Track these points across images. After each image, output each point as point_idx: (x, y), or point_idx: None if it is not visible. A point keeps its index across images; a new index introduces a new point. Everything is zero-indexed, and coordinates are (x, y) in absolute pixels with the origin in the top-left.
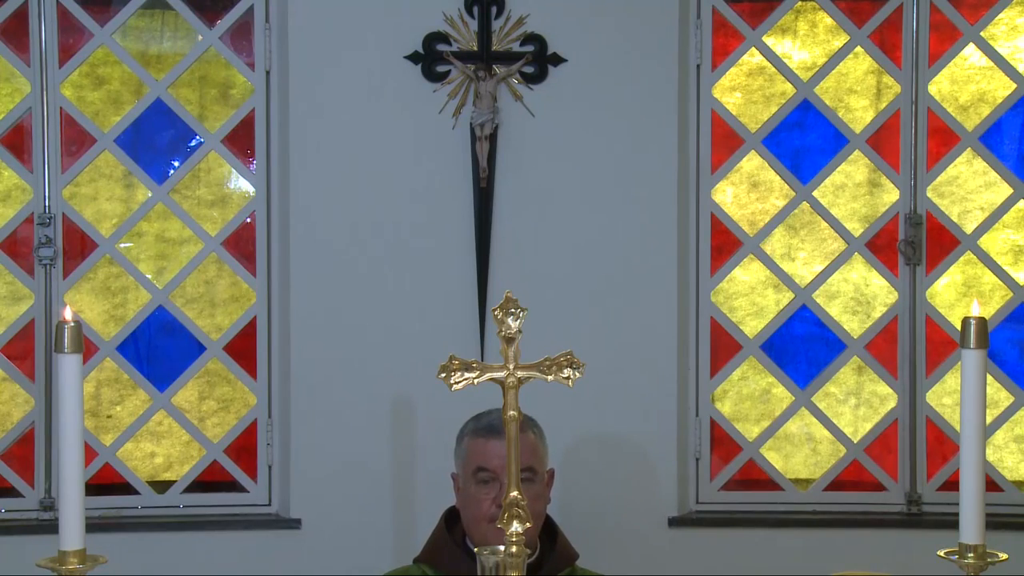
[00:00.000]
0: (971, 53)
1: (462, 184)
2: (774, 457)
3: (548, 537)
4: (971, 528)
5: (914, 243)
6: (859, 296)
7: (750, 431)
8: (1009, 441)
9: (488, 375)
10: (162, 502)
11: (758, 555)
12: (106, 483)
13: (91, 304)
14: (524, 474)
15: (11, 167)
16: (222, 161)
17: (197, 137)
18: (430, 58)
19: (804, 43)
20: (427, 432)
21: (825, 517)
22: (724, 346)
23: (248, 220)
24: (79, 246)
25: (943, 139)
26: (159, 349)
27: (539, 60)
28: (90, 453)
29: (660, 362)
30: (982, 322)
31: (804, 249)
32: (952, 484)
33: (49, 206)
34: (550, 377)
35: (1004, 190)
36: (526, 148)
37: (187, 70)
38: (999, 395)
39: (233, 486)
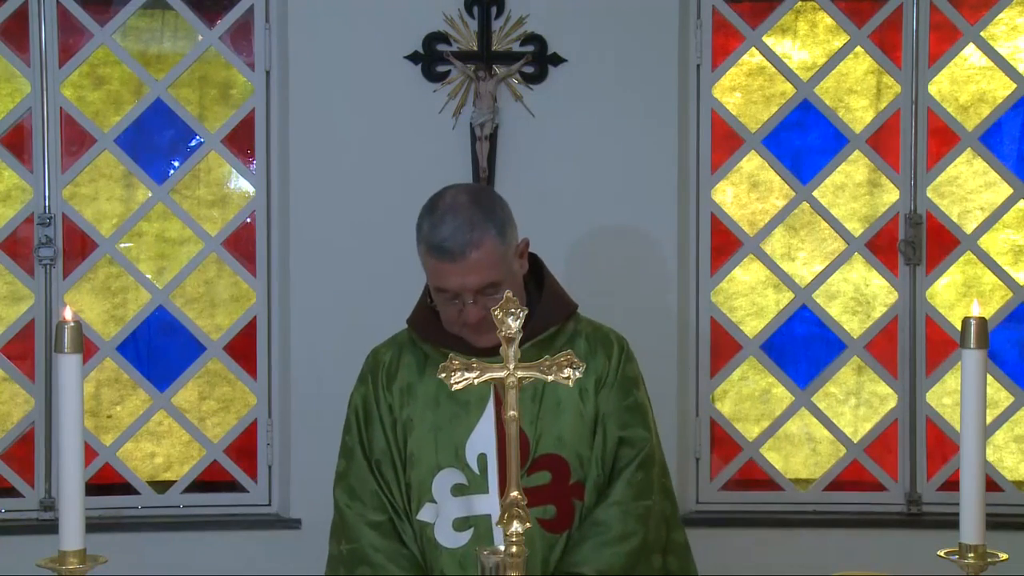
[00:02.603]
0: (971, 53)
1: None
2: (774, 457)
3: (536, 290)
4: (971, 528)
5: (914, 243)
6: (859, 296)
7: (750, 431)
8: (1009, 441)
9: (488, 375)
10: (162, 502)
11: (758, 555)
12: (106, 483)
13: (91, 304)
14: (487, 290)
15: (11, 167)
16: (222, 161)
17: (197, 137)
18: (430, 58)
19: (804, 43)
20: None
21: (825, 517)
22: (724, 346)
23: (248, 220)
24: (79, 246)
25: (943, 139)
26: (159, 349)
27: (539, 60)
28: (90, 453)
29: (660, 362)
30: (982, 322)
31: (804, 249)
32: (952, 484)
33: (49, 206)
34: (550, 377)
35: (1004, 190)
36: (526, 148)
37: (187, 70)
38: (999, 395)
39: (233, 486)
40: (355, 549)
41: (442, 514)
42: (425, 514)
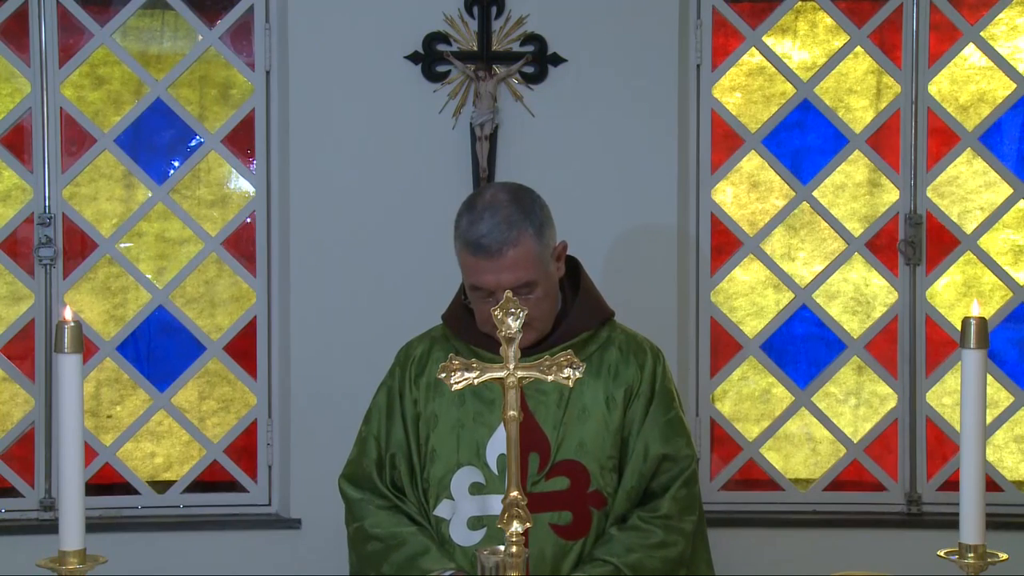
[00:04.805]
0: (971, 53)
1: (462, 184)
2: (774, 457)
3: (571, 293)
4: (971, 528)
5: (914, 243)
6: (859, 296)
7: (750, 431)
8: (1009, 441)
9: (488, 375)
10: (162, 502)
11: (758, 555)
12: (106, 483)
13: (91, 304)
14: (521, 289)
15: (11, 167)
16: (222, 161)
17: (197, 137)
18: (430, 58)
19: (804, 43)
20: None
21: (825, 517)
22: (724, 346)
23: (248, 220)
24: (79, 246)
25: (943, 139)
26: (159, 349)
27: (539, 60)
28: (90, 453)
29: None
30: (982, 322)
31: (804, 249)
32: (952, 484)
33: (49, 206)
34: (550, 377)
35: (1004, 190)
36: (526, 148)
37: (187, 70)
38: (999, 395)
39: (233, 486)
40: (359, 528)
41: (458, 512)
42: (442, 510)
